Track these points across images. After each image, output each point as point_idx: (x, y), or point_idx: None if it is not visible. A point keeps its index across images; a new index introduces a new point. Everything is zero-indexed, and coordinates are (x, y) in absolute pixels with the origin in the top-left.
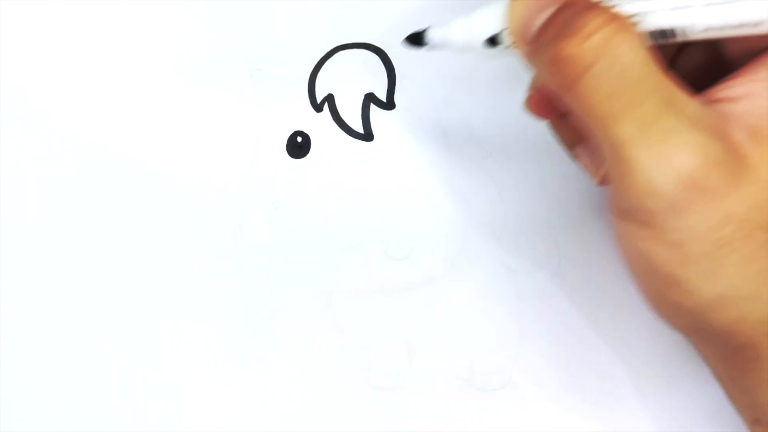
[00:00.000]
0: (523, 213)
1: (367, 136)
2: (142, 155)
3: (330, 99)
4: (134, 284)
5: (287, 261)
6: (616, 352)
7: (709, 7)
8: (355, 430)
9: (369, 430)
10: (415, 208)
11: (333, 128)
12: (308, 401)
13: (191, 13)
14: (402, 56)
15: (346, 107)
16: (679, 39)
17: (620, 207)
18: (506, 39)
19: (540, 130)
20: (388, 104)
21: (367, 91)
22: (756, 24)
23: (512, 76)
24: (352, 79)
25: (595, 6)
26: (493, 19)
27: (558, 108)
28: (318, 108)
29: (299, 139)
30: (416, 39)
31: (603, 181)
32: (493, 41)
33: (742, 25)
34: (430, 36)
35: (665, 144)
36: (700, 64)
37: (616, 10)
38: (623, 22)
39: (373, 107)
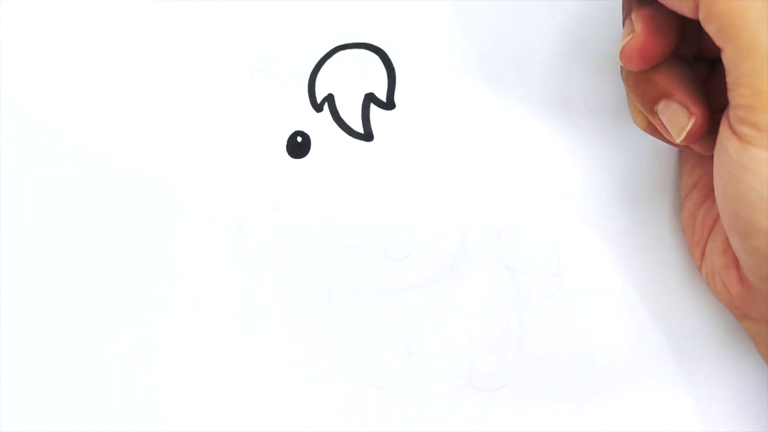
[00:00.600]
0: (523, 213)
1: (367, 136)
2: (141, 155)
3: (330, 99)
4: (134, 284)
5: (287, 261)
6: (616, 352)
7: None
8: (355, 430)
9: (369, 430)
10: (415, 208)
11: (333, 128)
12: (308, 401)
13: (191, 13)
14: (402, 56)
15: (346, 107)
16: None
17: (748, 120)
18: None
19: (540, 129)
20: (388, 104)
21: (367, 91)
22: None
23: (512, 75)
24: (352, 79)
25: None
26: None
27: (655, 55)
28: (318, 108)
29: (299, 139)
30: None
31: (690, 137)
32: None
33: None
34: None
35: None
36: None
37: None
38: None
39: (373, 107)
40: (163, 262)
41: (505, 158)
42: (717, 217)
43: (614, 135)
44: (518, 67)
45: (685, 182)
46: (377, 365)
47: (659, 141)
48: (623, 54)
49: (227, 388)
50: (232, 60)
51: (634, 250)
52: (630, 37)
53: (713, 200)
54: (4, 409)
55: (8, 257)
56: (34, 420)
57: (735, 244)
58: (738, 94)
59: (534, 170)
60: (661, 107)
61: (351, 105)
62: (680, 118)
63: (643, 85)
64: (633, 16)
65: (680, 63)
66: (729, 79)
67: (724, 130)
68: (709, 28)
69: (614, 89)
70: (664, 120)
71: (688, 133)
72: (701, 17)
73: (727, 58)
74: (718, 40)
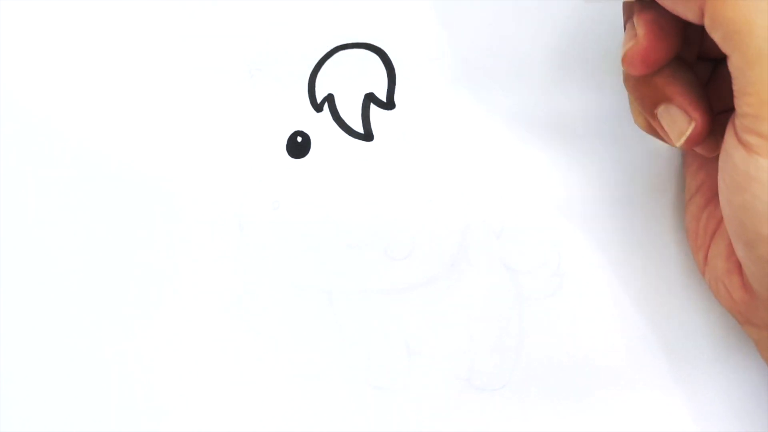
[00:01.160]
0: (523, 213)
1: (367, 136)
2: (141, 155)
3: (330, 99)
4: (134, 284)
5: (287, 261)
6: (616, 352)
7: None
8: (355, 430)
9: (369, 430)
10: (415, 208)
11: (333, 128)
12: (308, 401)
13: (191, 13)
14: (402, 56)
15: (346, 107)
16: None
17: (755, 130)
18: None
19: (540, 129)
20: (388, 104)
21: (367, 91)
22: None
23: (512, 75)
24: (352, 79)
25: None
26: None
27: (657, 60)
28: (318, 108)
29: (299, 139)
30: None
31: (689, 142)
32: None
33: None
34: None
35: None
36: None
37: None
38: None
39: (373, 107)
40: (163, 262)
41: (505, 158)
42: (720, 222)
43: (615, 135)
44: (518, 68)
45: (689, 185)
46: (377, 365)
47: (660, 142)
48: (626, 59)
49: (227, 388)
50: (232, 60)
51: (634, 250)
52: (632, 42)
53: (716, 204)
54: (4, 409)
55: (8, 257)
56: (34, 420)
57: (740, 251)
58: (744, 103)
59: (534, 170)
60: (661, 111)
61: (351, 105)
62: (680, 122)
63: (643, 88)
64: (635, 20)
65: (681, 66)
66: (735, 87)
67: (729, 138)
68: (715, 35)
69: (615, 89)
70: (663, 124)
71: (688, 138)
72: (707, 24)
73: (733, 65)
74: (724, 48)
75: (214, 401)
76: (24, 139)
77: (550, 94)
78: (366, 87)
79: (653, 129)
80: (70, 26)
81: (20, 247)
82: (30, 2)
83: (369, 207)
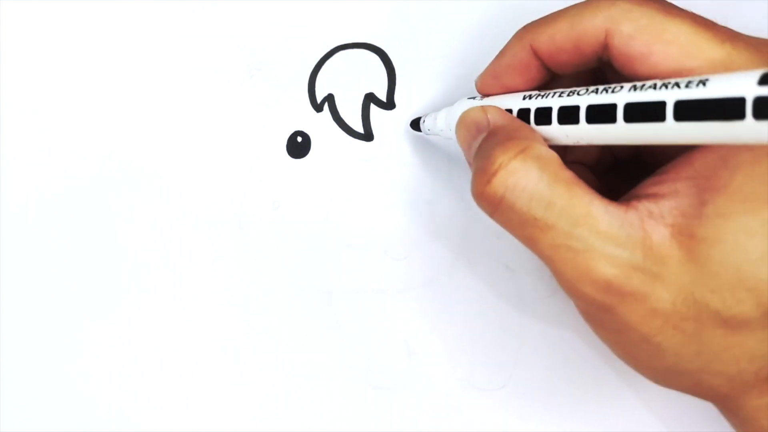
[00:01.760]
0: None
1: (367, 136)
2: (141, 155)
3: (330, 99)
4: (134, 284)
5: (287, 261)
6: None
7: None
8: (355, 430)
9: (369, 430)
10: (415, 208)
11: (333, 128)
12: (308, 401)
13: (191, 13)
14: (402, 56)
15: (346, 107)
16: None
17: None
18: None
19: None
20: (388, 104)
21: (367, 91)
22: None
23: None
24: (352, 79)
25: (510, 139)
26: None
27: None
28: (318, 108)
29: (299, 139)
30: (414, 124)
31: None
32: None
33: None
34: (424, 124)
35: (581, 258)
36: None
37: (527, 137)
38: (530, 152)
39: (373, 107)
40: (163, 262)
41: None
42: None
43: None
44: None
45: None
46: (377, 365)
47: None
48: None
49: (227, 388)
50: (232, 60)
51: None
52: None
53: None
54: (4, 409)
55: (8, 257)
56: (35, 420)
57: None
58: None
59: None
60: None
61: (351, 105)
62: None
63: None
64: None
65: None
66: None
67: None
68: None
69: None
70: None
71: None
72: None
73: None
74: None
75: (214, 401)
76: (24, 139)
77: None
78: (366, 87)
79: None
80: (70, 26)
81: (20, 247)
82: (30, 2)
83: (369, 207)
